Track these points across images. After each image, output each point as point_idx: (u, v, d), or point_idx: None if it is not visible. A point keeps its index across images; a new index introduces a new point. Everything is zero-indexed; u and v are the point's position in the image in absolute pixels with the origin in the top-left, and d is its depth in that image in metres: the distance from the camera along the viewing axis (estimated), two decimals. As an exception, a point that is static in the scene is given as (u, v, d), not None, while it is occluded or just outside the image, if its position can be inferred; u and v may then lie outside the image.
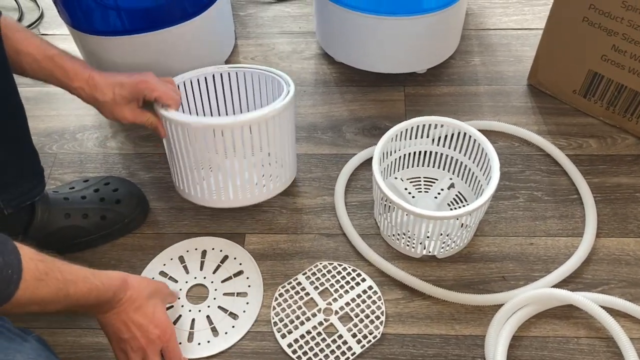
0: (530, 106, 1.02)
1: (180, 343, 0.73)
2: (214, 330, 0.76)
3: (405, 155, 0.90)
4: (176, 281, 0.81)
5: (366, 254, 0.83)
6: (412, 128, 0.85)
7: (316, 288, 0.80)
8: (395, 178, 0.91)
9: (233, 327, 0.76)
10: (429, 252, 0.82)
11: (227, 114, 0.93)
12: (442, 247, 0.81)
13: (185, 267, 0.82)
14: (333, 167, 0.94)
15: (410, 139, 0.87)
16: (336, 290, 0.80)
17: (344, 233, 0.86)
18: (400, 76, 1.06)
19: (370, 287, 0.80)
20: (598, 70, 0.93)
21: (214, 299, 0.79)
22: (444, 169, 0.91)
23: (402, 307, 0.78)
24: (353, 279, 0.81)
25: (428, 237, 0.79)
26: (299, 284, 0.81)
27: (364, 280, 0.81)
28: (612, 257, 0.82)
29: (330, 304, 0.79)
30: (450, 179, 0.90)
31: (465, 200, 0.88)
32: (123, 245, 0.85)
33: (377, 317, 0.77)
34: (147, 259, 0.84)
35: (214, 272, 0.82)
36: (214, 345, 0.75)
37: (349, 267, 0.82)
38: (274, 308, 0.78)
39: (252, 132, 0.76)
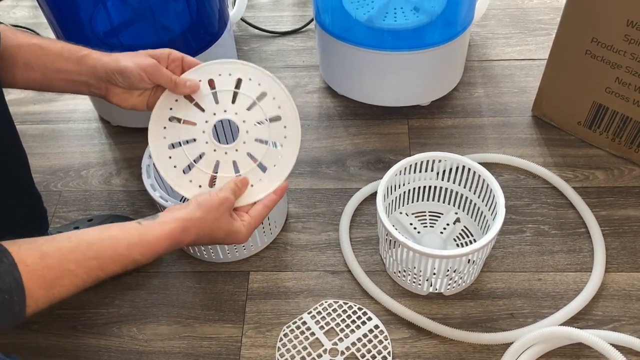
0: (535, 138, 1.01)
1: (200, 186, 0.70)
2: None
3: (409, 190, 0.89)
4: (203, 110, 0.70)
5: (372, 292, 0.82)
6: (416, 163, 0.84)
7: (322, 327, 0.79)
8: (400, 213, 0.90)
9: (260, 179, 0.70)
10: (436, 289, 0.81)
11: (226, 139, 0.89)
12: (449, 284, 0.80)
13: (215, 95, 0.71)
14: (337, 202, 0.94)
15: (414, 173, 0.86)
16: (342, 330, 0.79)
17: (349, 270, 0.85)
18: (403, 109, 1.06)
19: (376, 326, 0.79)
20: (602, 102, 0.92)
21: (244, 142, 0.70)
22: (449, 204, 0.90)
23: (409, 347, 0.77)
24: (359, 317, 0.80)
25: (434, 274, 0.78)
26: (304, 323, 0.80)
27: (370, 319, 0.80)
28: (622, 292, 0.81)
29: (336, 344, 0.77)
30: (456, 213, 0.90)
31: (471, 235, 0.87)
32: (127, 284, 0.85)
33: (384, 358, 0.76)
34: (152, 299, 0.83)
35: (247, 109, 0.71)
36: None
37: (355, 306, 0.81)
38: (279, 349, 0.77)
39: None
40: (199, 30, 0.97)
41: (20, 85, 0.65)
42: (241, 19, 1.25)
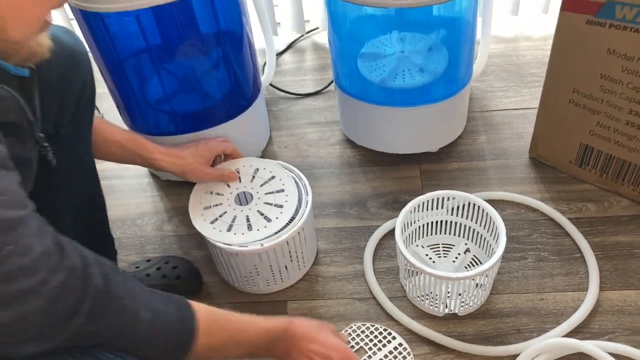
0: (533, 176, 1.14)
1: (220, 231, 0.91)
2: (249, 227, 0.91)
3: (424, 224, 1.02)
4: (229, 186, 0.99)
5: (395, 315, 0.94)
6: (428, 201, 0.98)
7: (352, 347, 0.91)
8: (417, 245, 1.03)
9: (265, 227, 0.91)
10: (451, 310, 0.93)
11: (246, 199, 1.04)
12: (462, 306, 0.92)
13: (239, 177, 1.01)
14: (361, 238, 1.07)
15: (428, 210, 0.99)
16: (370, 349, 0.90)
17: (374, 297, 0.97)
18: (415, 155, 1.20)
19: (400, 344, 0.90)
20: (588, 143, 1.06)
21: (256, 204, 0.95)
22: (459, 236, 1.03)
23: (429, 361, 0.88)
24: (384, 337, 0.92)
25: (449, 296, 0.90)
26: None
27: (394, 338, 0.91)
28: (615, 308, 0.92)
29: (365, 360, 0.89)
30: (465, 244, 1.02)
31: (480, 263, 1.00)
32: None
33: None
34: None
35: (260, 186, 0.99)
36: (246, 236, 0.90)
37: (381, 327, 0.93)
38: None
39: (289, 244, 0.92)
40: (237, 96, 1.13)
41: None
42: (270, 84, 1.41)
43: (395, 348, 0.90)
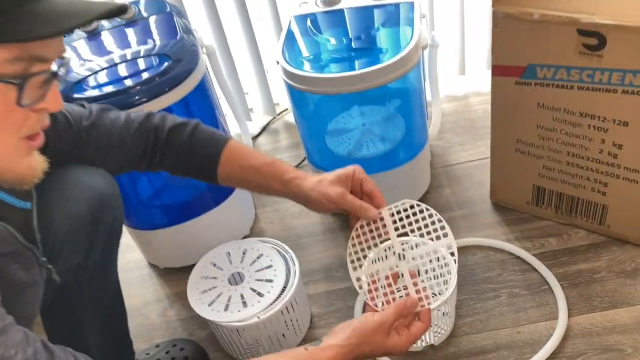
0: (497, 220, 1.26)
1: (218, 312, 0.98)
2: (244, 304, 0.99)
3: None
4: (221, 269, 1.07)
5: (387, 364, 1.03)
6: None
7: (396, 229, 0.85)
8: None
9: (259, 301, 0.99)
10: (427, 342, 1.02)
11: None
12: (435, 335, 1.02)
13: (229, 260, 1.09)
14: (350, 298, 1.16)
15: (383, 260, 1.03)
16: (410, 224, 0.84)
17: (367, 351, 1.06)
18: (389, 215, 1.31)
19: (431, 215, 0.84)
20: (540, 184, 1.18)
21: (248, 283, 1.03)
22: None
23: (424, 403, 0.96)
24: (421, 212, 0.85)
25: None
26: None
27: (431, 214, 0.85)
28: (584, 330, 1.01)
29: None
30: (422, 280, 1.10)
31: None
32: (193, 393, 1.06)
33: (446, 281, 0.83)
34: (214, 401, 1.04)
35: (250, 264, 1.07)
36: (242, 313, 0.98)
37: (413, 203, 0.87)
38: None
39: (283, 313, 1.01)
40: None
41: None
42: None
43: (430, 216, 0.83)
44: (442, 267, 0.82)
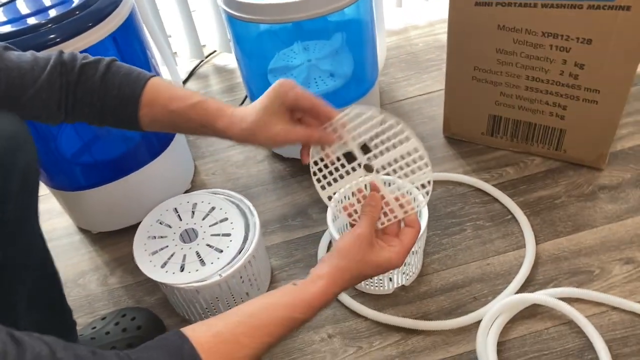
0: (452, 154, 1.22)
1: (174, 273, 0.89)
2: (202, 262, 0.91)
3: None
4: (170, 227, 0.97)
5: (358, 310, 0.97)
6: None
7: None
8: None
9: (218, 258, 0.91)
10: (398, 283, 0.98)
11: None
12: (405, 276, 0.98)
13: (178, 216, 0.99)
14: (310, 246, 1.09)
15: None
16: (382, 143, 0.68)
17: (337, 299, 0.99)
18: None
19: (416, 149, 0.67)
20: (495, 113, 1.15)
21: (202, 239, 0.94)
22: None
23: (402, 347, 0.92)
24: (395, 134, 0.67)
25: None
26: None
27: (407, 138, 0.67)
28: (553, 256, 1.01)
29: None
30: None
31: (426, 244, 1.05)
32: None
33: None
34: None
35: (203, 219, 0.98)
36: (201, 272, 0.89)
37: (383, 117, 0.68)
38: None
39: (246, 268, 0.93)
40: (157, 134, 1.11)
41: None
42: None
43: (409, 153, 0.67)
44: (414, 172, 0.68)
